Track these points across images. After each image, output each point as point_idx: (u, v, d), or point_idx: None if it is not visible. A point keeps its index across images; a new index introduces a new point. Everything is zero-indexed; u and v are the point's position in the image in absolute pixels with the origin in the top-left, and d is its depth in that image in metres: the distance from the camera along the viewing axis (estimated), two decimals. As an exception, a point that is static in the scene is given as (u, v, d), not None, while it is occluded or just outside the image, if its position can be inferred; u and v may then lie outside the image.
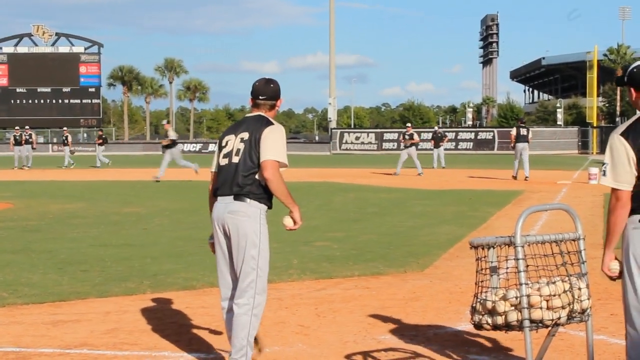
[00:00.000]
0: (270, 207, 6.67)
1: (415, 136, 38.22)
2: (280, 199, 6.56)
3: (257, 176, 6.52)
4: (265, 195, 6.57)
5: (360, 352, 7.35)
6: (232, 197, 6.53)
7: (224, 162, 6.65)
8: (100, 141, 51.34)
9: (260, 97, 6.75)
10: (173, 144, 32.10)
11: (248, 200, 6.52)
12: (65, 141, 51.18)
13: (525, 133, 33.20)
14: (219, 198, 6.62)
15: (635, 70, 5.46)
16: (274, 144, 6.53)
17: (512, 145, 33.77)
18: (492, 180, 33.22)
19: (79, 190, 28.58)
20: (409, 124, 43.20)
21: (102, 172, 43.42)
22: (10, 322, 8.59)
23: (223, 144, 6.73)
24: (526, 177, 32.40)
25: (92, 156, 57.52)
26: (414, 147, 37.31)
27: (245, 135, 6.59)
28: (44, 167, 47.98)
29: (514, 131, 33.75)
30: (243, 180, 6.51)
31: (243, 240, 6.52)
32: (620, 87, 5.79)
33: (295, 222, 6.65)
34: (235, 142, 6.63)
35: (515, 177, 32.70)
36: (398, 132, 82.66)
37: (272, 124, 6.64)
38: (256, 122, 6.66)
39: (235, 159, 6.56)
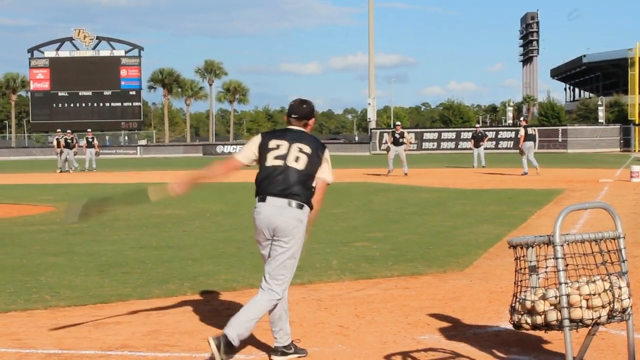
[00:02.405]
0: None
1: (407, 136, 38.50)
2: (314, 212, 7.21)
3: (313, 183, 7.12)
4: (311, 202, 7.14)
5: (399, 352, 7.34)
6: (292, 201, 6.98)
7: (276, 162, 7.04)
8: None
9: (293, 116, 7.26)
10: None
11: (304, 207, 7.02)
12: (92, 143, 50.67)
13: (532, 132, 37.12)
14: (271, 198, 6.97)
15: None
16: (330, 167, 7.26)
17: (520, 145, 36.25)
18: (533, 179, 33.01)
19: (121, 193, 28.76)
20: (398, 123, 43.13)
21: (140, 174, 43.66)
22: (53, 324, 8.67)
23: (272, 145, 7.11)
24: (537, 172, 35.23)
25: (127, 159, 58.09)
26: (402, 147, 37.63)
27: (306, 148, 7.07)
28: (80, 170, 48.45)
29: (522, 131, 36.58)
30: (304, 187, 7.03)
31: (293, 244, 7.01)
32: None
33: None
34: (291, 149, 7.05)
35: (526, 174, 35.17)
36: (438, 131, 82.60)
37: (325, 147, 7.30)
38: (311, 138, 7.22)
39: (296, 165, 7.01)
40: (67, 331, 8.37)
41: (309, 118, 7.29)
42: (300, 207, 6.96)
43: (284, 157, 7.01)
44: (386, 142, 37.92)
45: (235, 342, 6.87)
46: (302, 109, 7.27)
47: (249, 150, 7.21)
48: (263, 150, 7.12)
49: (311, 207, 7.09)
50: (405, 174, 36.75)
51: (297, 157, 7.02)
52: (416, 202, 22.95)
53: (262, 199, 7.00)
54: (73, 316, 9.05)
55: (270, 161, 7.04)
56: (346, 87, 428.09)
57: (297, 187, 6.95)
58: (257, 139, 7.25)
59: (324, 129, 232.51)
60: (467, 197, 24.57)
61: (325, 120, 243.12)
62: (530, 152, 35.69)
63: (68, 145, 48.35)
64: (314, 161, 7.06)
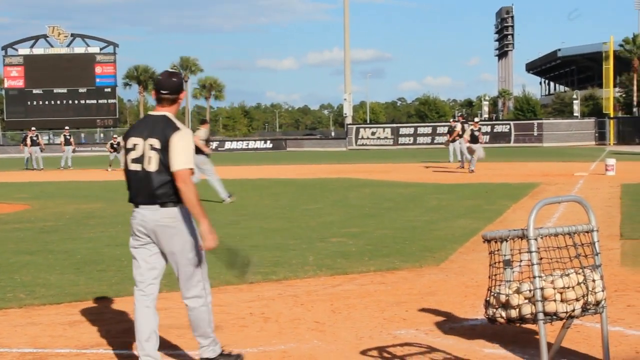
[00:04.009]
0: None
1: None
2: (189, 207, 6.51)
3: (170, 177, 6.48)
4: None
5: (375, 347, 7.34)
6: (157, 205, 6.52)
7: (135, 167, 6.56)
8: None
9: (162, 92, 6.64)
10: None
11: (177, 204, 6.51)
12: (68, 141, 50.30)
13: (466, 128, 37.41)
14: (141, 206, 6.59)
15: None
16: (183, 152, 6.45)
17: (450, 139, 38.41)
18: (509, 173, 33.11)
19: (96, 191, 28.68)
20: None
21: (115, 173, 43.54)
22: (27, 323, 8.62)
23: (130, 145, 6.60)
24: (462, 166, 36.75)
25: (103, 156, 57.59)
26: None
27: (156, 142, 6.46)
28: (54, 168, 48.24)
29: (459, 127, 38.14)
30: (164, 189, 6.47)
31: (181, 243, 6.59)
32: None
33: (204, 239, 6.59)
34: (145, 148, 6.50)
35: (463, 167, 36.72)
36: (414, 126, 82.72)
37: (179, 129, 6.52)
38: (163, 125, 6.54)
39: (150, 167, 6.47)
40: (42, 330, 8.33)
41: (179, 92, 6.69)
42: (173, 204, 6.49)
43: (140, 160, 6.51)
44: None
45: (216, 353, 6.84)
46: (172, 83, 6.65)
47: (122, 157, 6.76)
48: (125, 150, 6.65)
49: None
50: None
51: (149, 157, 6.47)
52: (392, 197, 22.97)
53: (136, 205, 6.66)
54: (48, 315, 9.01)
55: (130, 164, 6.58)
56: (322, 83, 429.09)
57: (160, 190, 6.46)
58: (124, 141, 6.71)
59: (300, 125, 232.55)
60: (443, 191, 24.63)
61: (301, 116, 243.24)
62: (464, 147, 36.64)
63: (35, 143, 48.23)
64: (164, 156, 6.43)
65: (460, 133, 37.29)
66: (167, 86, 6.64)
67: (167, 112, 6.65)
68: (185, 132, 6.51)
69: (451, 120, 55.50)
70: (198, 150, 20.69)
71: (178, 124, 6.56)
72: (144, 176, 6.50)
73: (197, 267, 6.71)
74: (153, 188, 6.46)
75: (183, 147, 6.44)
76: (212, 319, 6.88)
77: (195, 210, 6.48)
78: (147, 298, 6.78)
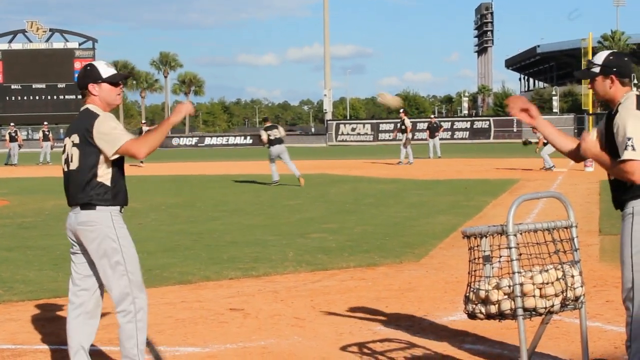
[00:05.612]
0: (122, 207, 6.21)
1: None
2: (164, 136, 6.10)
3: (98, 179, 6.01)
4: (111, 197, 6.08)
5: (355, 343, 7.35)
6: (79, 207, 6.09)
7: (65, 167, 6.22)
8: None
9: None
10: None
11: (97, 207, 6.04)
12: (48, 136, 49.77)
13: (409, 124, 40.21)
14: (71, 210, 6.21)
15: (612, 57, 5.65)
16: (112, 133, 5.97)
17: (394, 135, 41.06)
18: (488, 169, 33.18)
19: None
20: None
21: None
22: (6, 319, 8.59)
23: (63, 145, 6.30)
24: (410, 162, 38.67)
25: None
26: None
27: (76, 138, 6.08)
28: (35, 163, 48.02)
29: (408, 122, 40.26)
30: (85, 189, 6.02)
31: (102, 249, 6.07)
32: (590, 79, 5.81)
33: (183, 112, 6.07)
34: (68, 147, 6.16)
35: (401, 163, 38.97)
36: (394, 122, 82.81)
37: (98, 115, 6.04)
38: (82, 119, 6.13)
39: (72, 166, 6.10)
40: (20, 326, 8.31)
41: (84, 87, 6.16)
42: (92, 207, 6.02)
43: (67, 160, 6.14)
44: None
45: None
46: (78, 76, 6.18)
47: None
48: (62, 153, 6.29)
49: (110, 203, 6.02)
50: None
51: (72, 155, 6.08)
52: (372, 193, 22.99)
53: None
54: (27, 311, 8.97)
55: (64, 166, 6.22)
56: (302, 79, 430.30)
57: (83, 191, 6.02)
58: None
59: (280, 121, 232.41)
60: (423, 187, 24.66)
61: (281, 112, 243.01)
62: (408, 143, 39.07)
63: (13, 139, 48.05)
64: (87, 151, 5.99)
65: (406, 128, 39.20)
66: (77, 79, 6.23)
67: (89, 104, 6.17)
68: (104, 116, 6.03)
69: (432, 116, 55.61)
70: (279, 141, 25.81)
71: (97, 111, 6.08)
72: (68, 176, 6.15)
73: (123, 276, 6.10)
74: (75, 188, 6.08)
75: (108, 131, 5.96)
76: (144, 340, 6.20)
77: (164, 133, 6.10)
78: (77, 309, 6.35)
